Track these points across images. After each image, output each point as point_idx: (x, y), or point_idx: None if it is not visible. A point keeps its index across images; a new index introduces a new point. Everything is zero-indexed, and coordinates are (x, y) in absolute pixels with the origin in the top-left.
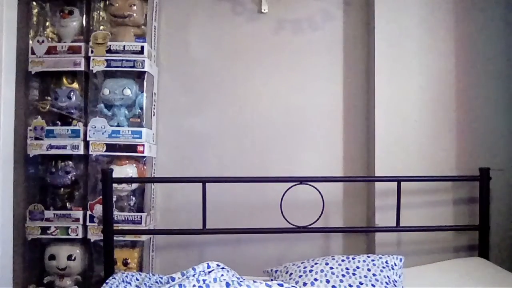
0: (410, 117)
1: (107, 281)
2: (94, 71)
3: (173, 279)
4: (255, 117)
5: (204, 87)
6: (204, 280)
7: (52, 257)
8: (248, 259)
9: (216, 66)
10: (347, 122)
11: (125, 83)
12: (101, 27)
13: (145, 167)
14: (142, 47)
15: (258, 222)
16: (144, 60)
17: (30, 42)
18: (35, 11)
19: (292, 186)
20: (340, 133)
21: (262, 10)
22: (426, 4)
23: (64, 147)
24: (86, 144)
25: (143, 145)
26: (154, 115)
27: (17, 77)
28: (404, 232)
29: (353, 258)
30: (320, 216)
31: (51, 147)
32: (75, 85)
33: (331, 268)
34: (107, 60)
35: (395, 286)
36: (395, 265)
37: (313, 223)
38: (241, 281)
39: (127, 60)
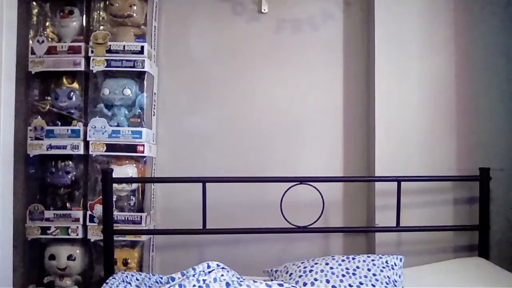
0: (410, 117)
1: (107, 281)
2: (94, 71)
3: (173, 279)
4: (255, 117)
5: (204, 87)
6: (204, 280)
7: (52, 257)
8: (248, 259)
9: (216, 66)
10: (347, 122)
11: (125, 83)
12: (101, 27)
13: (145, 167)
14: (142, 47)
15: (258, 222)
16: (144, 60)
17: (30, 42)
18: (35, 11)
19: (292, 186)
20: (340, 133)
21: (262, 10)
22: (426, 4)
23: (64, 147)
24: (86, 144)
25: (143, 145)
26: (154, 115)
27: (17, 77)
28: (404, 232)
29: (353, 258)
30: (320, 216)
31: (51, 147)
32: (75, 85)
33: (331, 268)
34: (107, 60)
35: (395, 286)
36: (395, 265)
37: (313, 223)
38: (241, 281)
39: (127, 60)
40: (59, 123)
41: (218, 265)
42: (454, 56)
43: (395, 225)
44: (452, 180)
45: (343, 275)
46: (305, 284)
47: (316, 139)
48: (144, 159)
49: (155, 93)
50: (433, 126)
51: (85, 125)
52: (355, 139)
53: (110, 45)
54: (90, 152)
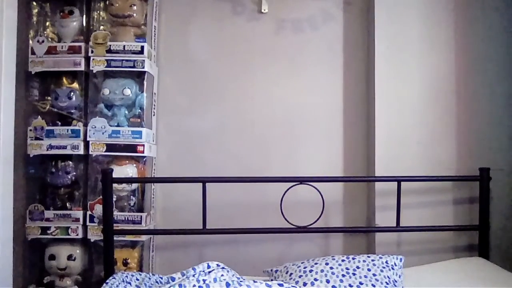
0: (410, 117)
1: (107, 281)
2: (94, 71)
3: (173, 279)
4: (255, 117)
5: (204, 87)
6: (204, 280)
7: (52, 257)
8: (248, 259)
9: (216, 66)
10: (347, 122)
11: (125, 83)
12: (101, 27)
13: (145, 167)
14: (142, 47)
15: (258, 222)
16: (144, 60)
17: (30, 42)
18: (35, 11)
19: (292, 186)
20: (340, 133)
21: (262, 10)
22: (426, 4)
23: (64, 147)
24: (86, 144)
25: (143, 145)
26: (154, 115)
27: (17, 77)
28: (404, 232)
29: (353, 258)
30: (320, 216)
31: (51, 147)
32: (75, 85)
33: (331, 268)
34: (107, 60)
35: (395, 286)
36: (395, 265)
37: (313, 223)
38: (241, 281)
39: (127, 60)
40: (59, 123)
41: (218, 265)
42: (454, 56)
43: (395, 225)
44: (452, 180)
45: (343, 275)
46: (305, 284)
47: (316, 139)
48: (144, 159)
49: (155, 93)
50: (433, 126)
51: (85, 125)
52: (355, 139)
53: (110, 45)
54: (90, 152)
